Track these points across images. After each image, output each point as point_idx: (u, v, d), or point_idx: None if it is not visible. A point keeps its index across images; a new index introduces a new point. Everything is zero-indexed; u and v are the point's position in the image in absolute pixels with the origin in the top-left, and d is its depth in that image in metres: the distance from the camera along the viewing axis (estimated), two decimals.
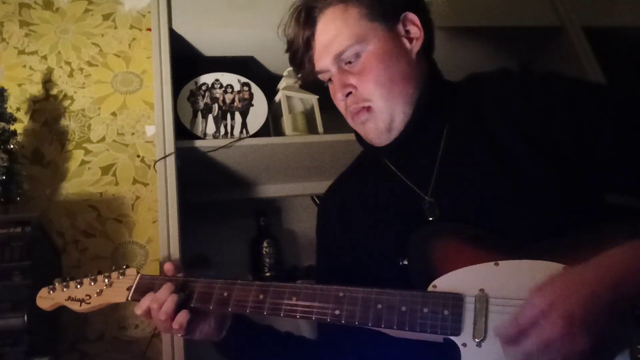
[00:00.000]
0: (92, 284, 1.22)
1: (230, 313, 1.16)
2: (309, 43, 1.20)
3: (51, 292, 1.23)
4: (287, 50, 1.25)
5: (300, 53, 1.21)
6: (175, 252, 1.60)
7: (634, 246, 0.88)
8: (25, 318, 1.31)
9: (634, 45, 2.32)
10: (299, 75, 1.29)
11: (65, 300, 1.22)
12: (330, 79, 1.21)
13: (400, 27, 1.19)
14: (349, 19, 1.16)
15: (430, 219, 1.13)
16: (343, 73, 1.17)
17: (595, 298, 0.83)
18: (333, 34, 1.16)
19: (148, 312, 1.14)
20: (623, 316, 0.85)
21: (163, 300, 1.12)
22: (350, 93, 1.16)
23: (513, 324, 0.87)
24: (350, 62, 1.16)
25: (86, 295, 1.21)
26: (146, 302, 1.14)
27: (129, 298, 1.18)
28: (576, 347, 0.81)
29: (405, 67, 1.17)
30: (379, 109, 1.15)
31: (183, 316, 1.11)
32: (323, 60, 1.19)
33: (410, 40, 1.20)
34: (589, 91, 1.10)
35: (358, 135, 1.27)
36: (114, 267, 1.24)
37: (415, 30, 1.20)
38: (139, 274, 1.21)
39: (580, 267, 0.88)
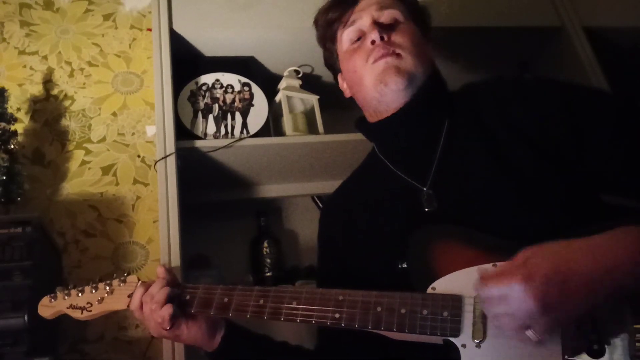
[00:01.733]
0: (93, 291, 1.23)
1: (231, 318, 1.17)
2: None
3: (53, 300, 1.24)
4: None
5: (344, 4, 1.30)
6: (176, 252, 1.60)
7: (626, 230, 0.89)
8: (26, 318, 1.31)
9: (634, 45, 2.32)
10: (322, 26, 1.37)
11: (67, 308, 1.23)
12: (357, 39, 1.27)
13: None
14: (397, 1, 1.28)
15: (427, 209, 1.14)
16: (380, 25, 1.24)
17: (569, 269, 0.84)
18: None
19: (141, 307, 1.17)
20: (610, 301, 0.85)
21: (155, 292, 1.15)
22: (383, 38, 1.22)
23: (493, 272, 0.90)
24: (389, 24, 1.24)
25: (87, 303, 1.22)
26: (138, 294, 1.17)
27: (130, 305, 1.20)
28: (525, 306, 0.83)
29: (427, 50, 1.28)
30: (407, 59, 1.21)
31: (167, 309, 1.13)
32: (366, 11, 1.26)
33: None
34: (584, 93, 1.13)
35: (361, 122, 1.32)
36: (115, 275, 1.25)
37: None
38: (140, 281, 1.22)
39: (572, 241, 0.89)
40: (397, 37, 1.22)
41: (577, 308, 0.84)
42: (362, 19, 1.26)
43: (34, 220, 1.44)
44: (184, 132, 1.85)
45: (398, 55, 1.20)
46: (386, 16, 1.25)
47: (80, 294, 1.23)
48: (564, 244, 0.88)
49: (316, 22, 1.38)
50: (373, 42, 1.22)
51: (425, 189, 1.16)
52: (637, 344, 0.85)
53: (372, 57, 1.22)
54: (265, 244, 2.11)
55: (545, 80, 1.18)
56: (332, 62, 1.38)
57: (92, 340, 1.63)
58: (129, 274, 1.24)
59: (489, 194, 1.08)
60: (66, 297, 1.23)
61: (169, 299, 1.14)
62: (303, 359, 1.30)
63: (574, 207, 1.05)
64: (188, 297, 1.16)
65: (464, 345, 0.94)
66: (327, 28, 1.34)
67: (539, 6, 2.26)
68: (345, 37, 1.28)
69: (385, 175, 1.25)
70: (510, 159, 1.09)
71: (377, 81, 1.21)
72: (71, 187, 1.81)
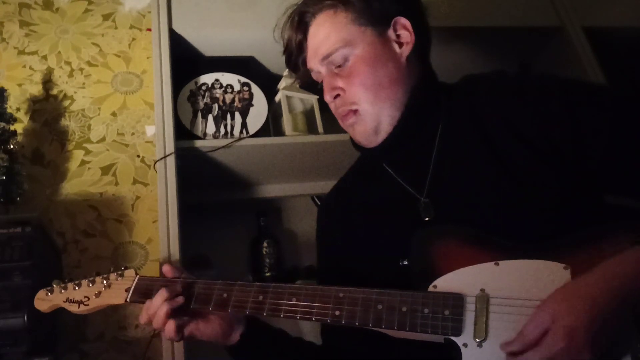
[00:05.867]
0: (91, 285, 1.21)
1: (237, 317, 1.16)
2: (301, 46, 1.24)
3: (49, 294, 1.23)
4: (284, 53, 1.30)
5: (294, 56, 1.26)
6: (176, 252, 1.60)
7: (637, 253, 0.89)
8: (25, 318, 1.30)
9: (634, 45, 2.32)
10: (295, 76, 1.35)
11: (64, 302, 1.21)
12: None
13: (391, 32, 1.21)
14: (338, 23, 1.19)
15: (426, 219, 1.13)
16: (332, 76, 1.20)
17: (598, 310, 0.85)
18: (322, 37, 1.20)
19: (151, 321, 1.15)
20: (624, 320, 0.86)
21: (155, 309, 1.12)
22: (338, 95, 1.19)
23: (518, 340, 0.88)
24: (340, 66, 1.19)
25: (84, 297, 1.21)
26: (145, 312, 1.15)
27: (128, 299, 1.18)
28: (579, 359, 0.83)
29: (394, 71, 1.19)
30: (365, 112, 1.17)
31: (170, 327, 1.11)
32: (313, 63, 1.22)
33: (401, 44, 1.21)
34: (585, 91, 1.10)
35: (352, 138, 1.28)
36: (112, 269, 1.24)
37: (406, 35, 1.21)
38: (138, 275, 1.21)
39: (583, 278, 0.89)
40: (350, 87, 1.17)
41: (617, 335, 0.86)
42: (318, 70, 1.22)
43: (33, 220, 1.44)
44: (183, 132, 1.86)
45: (356, 112, 1.17)
46: (334, 61, 1.18)
47: (77, 288, 1.22)
48: (579, 285, 0.88)
49: None
50: None
51: (422, 198, 1.16)
52: None
53: (337, 115, 1.23)
54: (265, 244, 2.11)
55: (545, 78, 1.15)
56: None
57: (92, 340, 1.63)
58: (126, 268, 1.22)
59: (486, 197, 1.07)
60: (63, 291, 1.22)
61: (173, 311, 1.12)
62: (316, 355, 1.29)
63: (574, 207, 1.04)
64: (186, 293, 1.15)
65: (465, 345, 0.93)
66: (293, 72, 1.34)
67: (539, 6, 2.26)
68: (314, 78, 1.27)
69: (384, 178, 1.24)
70: (507, 159, 1.08)
71: (353, 137, 1.24)
72: (71, 187, 1.80)
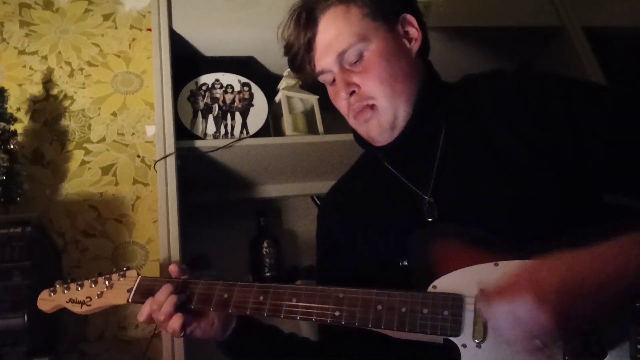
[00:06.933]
0: (93, 286, 1.22)
1: (230, 314, 1.16)
2: (310, 44, 1.20)
3: (52, 294, 1.23)
4: (287, 53, 1.25)
5: (300, 55, 1.21)
6: (176, 252, 1.60)
7: (632, 238, 0.88)
8: (25, 318, 1.31)
9: (634, 45, 2.32)
10: (299, 77, 1.30)
11: (66, 302, 1.22)
12: (333, 81, 1.20)
13: (400, 28, 1.21)
14: (351, 18, 1.17)
15: (429, 219, 1.13)
16: (346, 72, 1.17)
17: (579, 281, 0.84)
18: (335, 33, 1.17)
19: (151, 317, 1.15)
20: (616, 308, 0.85)
21: (162, 301, 1.12)
22: (353, 92, 1.17)
23: (496, 286, 0.89)
24: (354, 62, 1.16)
25: (87, 297, 1.21)
26: (147, 307, 1.15)
27: (130, 300, 1.18)
28: (539, 322, 0.83)
29: (406, 67, 1.18)
30: (383, 106, 1.15)
31: (176, 320, 1.11)
32: (325, 60, 1.18)
33: (409, 40, 1.21)
34: (585, 90, 1.10)
35: (357, 136, 1.27)
36: (114, 269, 1.24)
37: (414, 31, 1.22)
38: (140, 276, 1.21)
39: (578, 251, 0.88)
40: (366, 83, 1.15)
41: (587, 319, 0.84)
42: (329, 68, 1.19)
43: (33, 220, 1.44)
44: (183, 132, 1.86)
45: (373, 107, 1.15)
46: (348, 58, 1.16)
47: (79, 288, 1.22)
48: (570, 255, 0.87)
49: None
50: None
51: (426, 197, 1.15)
52: (639, 346, 0.85)
53: (351, 112, 1.19)
54: (265, 244, 2.11)
55: (545, 77, 1.14)
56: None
57: (92, 340, 1.63)
58: (128, 269, 1.23)
59: (488, 198, 1.07)
60: (65, 291, 1.23)
61: (177, 307, 1.12)
62: (310, 352, 1.29)
63: (574, 207, 1.04)
64: (187, 292, 1.16)
65: (464, 345, 0.93)
66: (297, 73, 1.28)
67: (539, 6, 2.26)
68: (320, 79, 1.24)
69: (387, 177, 1.24)
70: (508, 158, 1.08)
71: (365, 135, 1.21)
72: (71, 187, 1.80)
